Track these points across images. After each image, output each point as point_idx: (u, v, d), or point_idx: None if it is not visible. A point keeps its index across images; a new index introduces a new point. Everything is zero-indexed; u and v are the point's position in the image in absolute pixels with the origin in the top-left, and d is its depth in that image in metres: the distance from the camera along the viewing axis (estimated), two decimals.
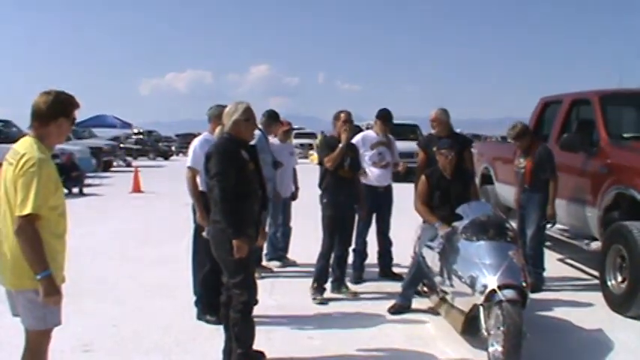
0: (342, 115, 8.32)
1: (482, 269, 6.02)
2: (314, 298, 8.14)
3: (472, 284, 6.04)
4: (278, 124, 9.96)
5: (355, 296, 8.39)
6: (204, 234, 6.49)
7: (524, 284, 5.95)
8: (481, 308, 5.93)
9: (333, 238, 8.24)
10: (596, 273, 8.64)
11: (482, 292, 5.87)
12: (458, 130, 10.43)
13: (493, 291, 5.79)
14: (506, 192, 10.08)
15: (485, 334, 5.85)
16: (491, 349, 5.79)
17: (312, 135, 50.70)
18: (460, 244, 6.53)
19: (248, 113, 5.74)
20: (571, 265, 10.58)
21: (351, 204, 8.39)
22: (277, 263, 10.13)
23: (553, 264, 10.30)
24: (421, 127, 27.57)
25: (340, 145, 8.05)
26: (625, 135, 9.33)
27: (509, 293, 5.75)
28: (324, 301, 8.10)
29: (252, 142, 6.45)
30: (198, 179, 7.13)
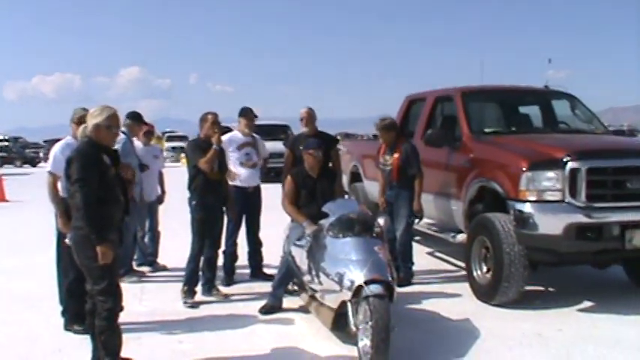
0: (210, 116, 8.25)
1: (349, 265, 6.07)
2: (185, 302, 8.06)
3: (339, 281, 6.08)
4: (142, 125, 9.76)
5: (226, 298, 8.36)
6: (67, 241, 6.34)
7: (390, 279, 6.01)
8: (349, 304, 5.98)
9: (203, 240, 8.19)
10: (463, 264, 8.85)
11: (349, 288, 5.92)
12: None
13: (360, 286, 5.83)
14: (375, 189, 10.19)
15: (354, 329, 5.90)
16: (360, 344, 5.85)
17: (184, 138, 50.10)
18: (327, 241, 6.57)
19: (111, 120, 5.59)
20: (439, 258, 10.87)
21: (220, 205, 8.36)
22: (147, 268, 9.96)
23: (422, 257, 10.56)
24: (293, 127, 27.67)
25: (214, 147, 8.00)
26: (486, 130, 9.59)
27: (375, 288, 5.80)
28: (195, 305, 8.03)
29: (116, 146, 6.30)
30: (59, 184, 6.92)
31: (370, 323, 5.65)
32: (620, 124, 55.20)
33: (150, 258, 10.13)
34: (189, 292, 8.13)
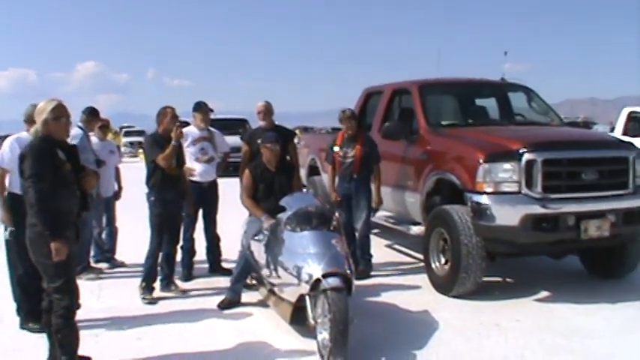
0: (169, 110, 8.17)
1: (307, 259, 6.08)
2: (143, 298, 8.00)
3: (298, 274, 6.09)
4: (98, 120, 9.65)
5: (184, 293, 8.31)
6: (6, 234, 6.29)
7: (348, 272, 6.03)
8: (307, 298, 5.99)
9: (162, 236, 8.13)
10: (421, 256, 8.87)
11: (307, 282, 5.93)
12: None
13: (318, 280, 5.85)
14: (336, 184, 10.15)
15: (313, 322, 5.92)
16: (319, 337, 5.87)
17: (141, 133, 49.40)
18: (284, 235, 6.57)
19: (57, 111, 5.48)
20: (398, 251, 10.90)
21: (179, 201, 8.29)
22: (105, 265, 9.84)
23: (381, 250, 10.61)
24: (252, 121, 27.51)
25: (173, 143, 7.91)
26: (443, 122, 9.61)
27: (333, 281, 5.82)
28: (154, 301, 7.97)
29: (74, 142, 6.21)
30: (7, 179, 6.85)
31: (329, 316, 5.67)
32: (576, 116, 56.02)
33: (107, 254, 10.01)
34: (147, 288, 8.07)
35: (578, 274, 9.01)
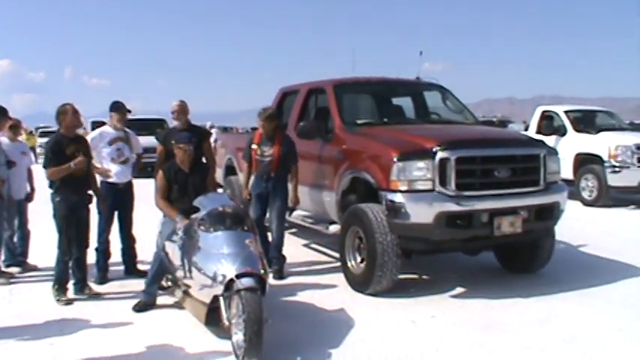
0: (69, 107, 7.90)
1: (221, 259, 6.05)
2: (58, 300, 7.84)
3: (212, 275, 6.05)
4: (8, 120, 9.37)
5: (99, 296, 8.13)
6: None
7: (262, 272, 6.03)
8: (221, 298, 5.96)
9: (70, 238, 7.93)
10: (338, 255, 8.89)
11: (221, 282, 5.91)
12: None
13: (231, 280, 5.83)
14: (250, 182, 10.10)
15: (227, 323, 5.90)
16: (234, 338, 5.84)
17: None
18: (198, 235, 6.51)
19: None
20: (315, 250, 10.93)
21: (86, 202, 8.11)
22: (17, 269, 9.56)
23: (298, 249, 10.64)
24: (170, 121, 27.27)
25: (71, 165, 7.73)
26: (359, 121, 9.60)
27: (247, 282, 5.81)
28: (70, 301, 7.84)
29: None
30: None
31: (243, 317, 5.65)
32: (494, 114, 57.30)
33: (19, 258, 9.72)
34: (60, 289, 7.91)
35: (493, 269, 9.19)
